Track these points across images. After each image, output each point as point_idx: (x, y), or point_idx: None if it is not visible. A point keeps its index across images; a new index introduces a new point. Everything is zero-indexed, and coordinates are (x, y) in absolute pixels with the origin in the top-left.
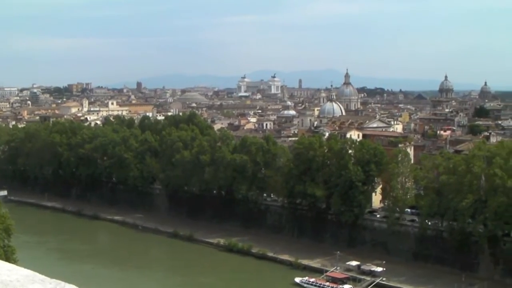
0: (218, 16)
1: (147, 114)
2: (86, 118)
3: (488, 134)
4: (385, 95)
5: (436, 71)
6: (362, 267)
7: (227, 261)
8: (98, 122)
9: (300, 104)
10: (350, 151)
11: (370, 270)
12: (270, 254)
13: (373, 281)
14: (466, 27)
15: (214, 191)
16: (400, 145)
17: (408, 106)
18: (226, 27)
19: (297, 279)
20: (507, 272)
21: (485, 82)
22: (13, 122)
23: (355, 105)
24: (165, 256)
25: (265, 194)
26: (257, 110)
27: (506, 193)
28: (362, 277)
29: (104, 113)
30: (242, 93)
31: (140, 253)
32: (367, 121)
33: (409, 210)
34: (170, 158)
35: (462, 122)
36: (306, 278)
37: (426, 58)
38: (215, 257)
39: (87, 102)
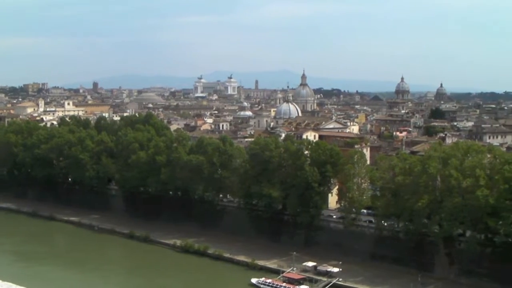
0: (175, 17)
1: (103, 114)
2: (42, 119)
3: (443, 135)
4: (341, 96)
5: (393, 72)
6: (318, 267)
7: (184, 262)
8: (54, 122)
9: (256, 105)
10: (306, 152)
11: (327, 271)
12: (227, 255)
13: (330, 282)
14: (423, 30)
15: (171, 192)
16: (356, 146)
17: (365, 107)
18: (182, 27)
19: (254, 280)
20: (462, 272)
21: (441, 84)
22: None
23: (311, 106)
24: (122, 257)
25: (221, 195)
26: (214, 111)
27: (461, 193)
28: (319, 277)
29: (60, 114)
30: (199, 94)
31: (97, 255)
32: (324, 122)
33: (365, 211)
34: (126, 158)
35: (418, 123)
36: (263, 278)
37: (382, 59)
38: (172, 258)
39: (43, 102)
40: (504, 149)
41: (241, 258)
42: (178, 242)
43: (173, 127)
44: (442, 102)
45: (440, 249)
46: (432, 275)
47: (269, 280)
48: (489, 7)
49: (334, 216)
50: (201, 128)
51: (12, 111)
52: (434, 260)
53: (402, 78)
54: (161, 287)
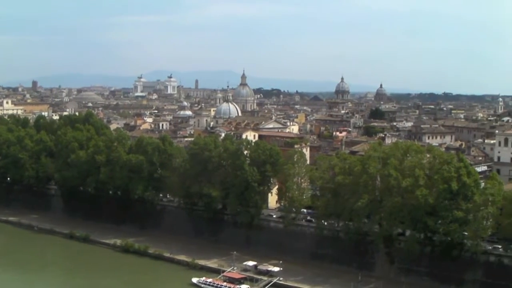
0: (116, 16)
1: (43, 113)
2: None
3: (383, 135)
4: (281, 96)
5: (333, 73)
6: (259, 267)
7: (124, 262)
8: None
9: (196, 105)
10: (246, 152)
11: (267, 270)
12: (167, 254)
13: (270, 281)
14: (363, 31)
15: (110, 192)
16: (296, 146)
17: (304, 107)
18: (123, 26)
19: (194, 280)
20: (402, 271)
21: (381, 85)
22: None
23: (251, 106)
24: (63, 257)
25: (161, 195)
26: (154, 110)
27: (401, 193)
28: (259, 277)
29: None
30: (139, 93)
31: (37, 255)
32: (263, 122)
33: (305, 210)
34: (66, 158)
35: (358, 124)
36: (203, 278)
37: (322, 60)
38: (113, 258)
39: None
40: (443, 149)
41: (182, 257)
42: (118, 242)
43: (113, 126)
44: (381, 102)
45: (380, 248)
46: (372, 274)
47: (209, 280)
48: (428, 12)
49: (274, 216)
50: (141, 128)
51: None
52: (374, 259)
53: (342, 79)
54: None
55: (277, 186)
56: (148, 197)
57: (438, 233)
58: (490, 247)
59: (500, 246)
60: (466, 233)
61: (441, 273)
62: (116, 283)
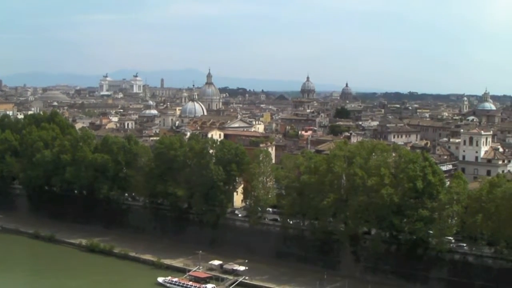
0: (81, 14)
1: (7, 112)
2: None
3: (349, 134)
4: (247, 95)
5: (298, 72)
6: (224, 266)
7: (90, 262)
8: None
9: (162, 104)
10: (211, 151)
11: (233, 269)
12: (132, 254)
13: (236, 280)
14: (329, 30)
15: (76, 191)
16: (261, 145)
17: (270, 107)
18: (88, 25)
19: (160, 279)
20: (368, 269)
21: (346, 84)
22: None
23: (216, 105)
24: (28, 257)
25: (126, 194)
26: (119, 109)
27: (366, 192)
28: (225, 276)
29: None
30: (104, 92)
31: (2, 255)
32: (229, 121)
33: (270, 209)
34: (31, 157)
35: (323, 123)
36: (169, 277)
37: (288, 59)
38: (78, 258)
39: None
40: (409, 148)
41: (147, 257)
42: (84, 242)
43: (78, 125)
44: (347, 101)
45: (346, 247)
46: (338, 273)
47: (175, 279)
48: (392, 11)
49: (240, 215)
50: (106, 127)
51: None
52: (340, 258)
53: (308, 78)
54: None
55: (242, 185)
56: (113, 197)
57: (403, 231)
58: (455, 246)
59: (465, 245)
60: (431, 232)
61: (407, 272)
62: (83, 284)
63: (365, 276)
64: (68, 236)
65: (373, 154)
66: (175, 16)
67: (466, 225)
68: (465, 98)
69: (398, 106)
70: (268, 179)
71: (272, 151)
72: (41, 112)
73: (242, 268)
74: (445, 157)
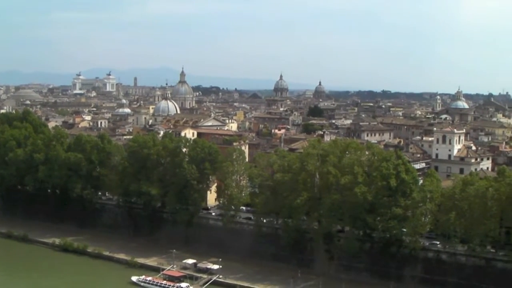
0: (54, 12)
1: None
2: None
3: (322, 133)
4: (220, 93)
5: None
6: (198, 265)
7: (64, 261)
8: None
9: (135, 102)
10: (184, 150)
11: (207, 268)
12: (106, 253)
13: (210, 279)
14: (302, 28)
15: (49, 190)
16: (234, 144)
17: (243, 105)
18: (62, 23)
19: (134, 278)
20: (341, 267)
21: (320, 82)
22: None
23: (190, 103)
24: (1, 258)
25: (100, 193)
26: (92, 108)
27: (340, 190)
28: (199, 275)
29: None
30: (77, 91)
31: None
32: (202, 120)
33: (244, 208)
34: (3, 156)
35: (297, 121)
36: (143, 276)
37: (262, 58)
38: (52, 257)
39: None
40: (382, 146)
41: (121, 256)
42: (57, 241)
43: (51, 124)
44: (320, 100)
45: (320, 246)
46: (311, 271)
47: (149, 278)
48: (366, 10)
49: (213, 214)
50: (79, 126)
51: None
52: (314, 256)
53: (281, 76)
54: None
55: (216, 184)
56: (86, 196)
57: (377, 230)
58: (428, 243)
59: (438, 242)
60: (404, 230)
61: (381, 269)
62: (57, 283)
63: (339, 274)
64: (42, 236)
65: (347, 152)
66: (150, 14)
67: (439, 223)
68: (438, 97)
69: (371, 104)
70: (241, 178)
71: (245, 149)
72: (14, 111)
73: (216, 266)
74: (418, 155)
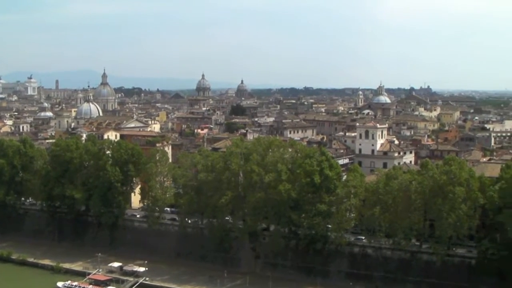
0: None
1: None
2: None
3: (245, 131)
4: (142, 94)
5: (194, 70)
6: (124, 268)
7: None
8: None
9: (57, 106)
10: (108, 152)
11: (133, 271)
12: (31, 259)
13: (137, 282)
14: (224, 28)
15: None
16: (158, 145)
17: (166, 106)
18: None
19: (60, 284)
20: (268, 265)
21: (242, 81)
22: None
23: (112, 105)
24: None
25: (23, 198)
26: (14, 112)
27: (264, 188)
28: (125, 278)
29: None
30: None
31: None
32: (125, 122)
33: (168, 209)
34: None
35: (219, 120)
36: (69, 282)
37: (184, 57)
38: None
39: None
40: (305, 143)
41: (46, 262)
42: None
43: None
44: (243, 98)
45: (245, 244)
46: (238, 270)
47: (75, 283)
48: (285, 8)
49: (138, 216)
50: (1, 131)
51: None
52: (240, 255)
53: (203, 75)
54: None
55: (140, 186)
56: (9, 201)
57: (302, 226)
58: (354, 238)
59: (363, 237)
60: (329, 226)
61: (307, 266)
62: None
63: (265, 272)
64: None
65: (270, 150)
66: (72, 16)
67: (364, 218)
68: (360, 92)
69: (293, 101)
70: (165, 179)
71: (168, 150)
72: None
73: (142, 269)
74: (342, 151)
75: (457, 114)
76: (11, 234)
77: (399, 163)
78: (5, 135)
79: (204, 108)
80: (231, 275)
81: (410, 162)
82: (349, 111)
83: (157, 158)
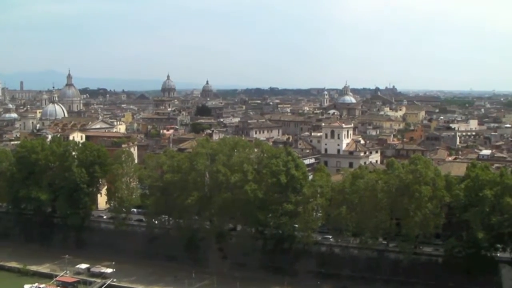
0: None
1: None
2: None
3: (210, 131)
4: (108, 95)
5: (159, 71)
6: (92, 269)
7: None
8: None
9: (22, 107)
10: (73, 153)
11: (100, 272)
12: None
13: (104, 283)
14: (188, 28)
15: None
16: (123, 146)
17: (131, 106)
18: None
19: (27, 286)
20: (235, 266)
21: (207, 81)
22: None
23: (77, 106)
24: None
25: None
26: None
27: (230, 189)
28: (93, 279)
29: None
30: None
31: None
32: (90, 123)
33: (135, 210)
34: None
35: (185, 121)
36: (36, 284)
37: (149, 58)
38: None
39: None
40: (271, 143)
41: (12, 264)
42: None
43: None
44: (208, 99)
45: (213, 245)
46: (206, 270)
47: (42, 286)
48: (249, 8)
49: (105, 217)
50: None
51: None
52: (207, 255)
53: (168, 76)
54: None
55: (106, 187)
56: None
57: (269, 226)
58: (321, 238)
59: (330, 237)
60: (296, 225)
61: (274, 266)
62: None
63: (233, 272)
64: None
65: (236, 150)
66: (35, 16)
67: (331, 217)
68: (326, 92)
69: (259, 102)
70: (131, 180)
71: (134, 151)
72: None
73: (109, 270)
74: (308, 151)
75: (422, 114)
76: None
77: (365, 163)
78: None
79: (169, 109)
80: (199, 275)
81: (376, 161)
82: (315, 111)
83: (123, 159)
